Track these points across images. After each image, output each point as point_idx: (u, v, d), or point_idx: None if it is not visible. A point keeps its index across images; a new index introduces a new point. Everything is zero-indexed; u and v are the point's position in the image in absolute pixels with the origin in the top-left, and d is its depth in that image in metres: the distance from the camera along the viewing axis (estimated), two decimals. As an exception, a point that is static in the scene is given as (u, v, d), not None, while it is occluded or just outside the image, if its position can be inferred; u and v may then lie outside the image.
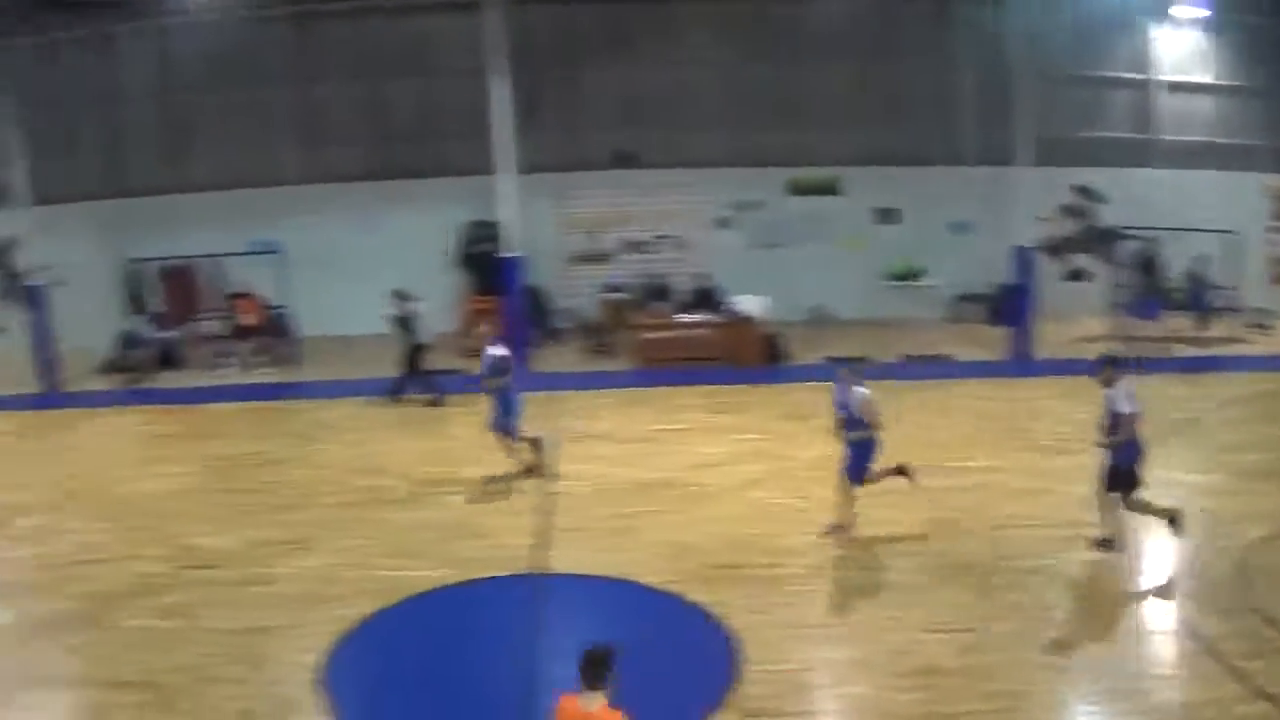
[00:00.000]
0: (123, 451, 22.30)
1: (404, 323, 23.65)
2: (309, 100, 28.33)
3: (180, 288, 28.92)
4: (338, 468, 20.24)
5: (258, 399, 24.46)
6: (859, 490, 16.33)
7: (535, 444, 19.56)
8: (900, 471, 16.63)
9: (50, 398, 25.87)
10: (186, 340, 28.18)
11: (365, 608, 14.95)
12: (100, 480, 20.69)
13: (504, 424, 19.14)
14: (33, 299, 26.10)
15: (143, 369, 27.29)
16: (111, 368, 27.59)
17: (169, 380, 26.73)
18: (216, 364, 27.13)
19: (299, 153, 28.81)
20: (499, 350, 19.15)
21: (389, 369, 24.23)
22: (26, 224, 26.02)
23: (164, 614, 15.36)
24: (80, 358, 27.14)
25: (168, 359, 27.73)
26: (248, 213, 28.15)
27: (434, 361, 24.36)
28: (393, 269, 25.80)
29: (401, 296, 23.51)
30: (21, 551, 17.81)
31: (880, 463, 16.27)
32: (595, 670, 8.51)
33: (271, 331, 27.77)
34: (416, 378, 23.58)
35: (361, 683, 13.39)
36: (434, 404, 23.33)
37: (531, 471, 19.55)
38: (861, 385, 15.94)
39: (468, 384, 22.78)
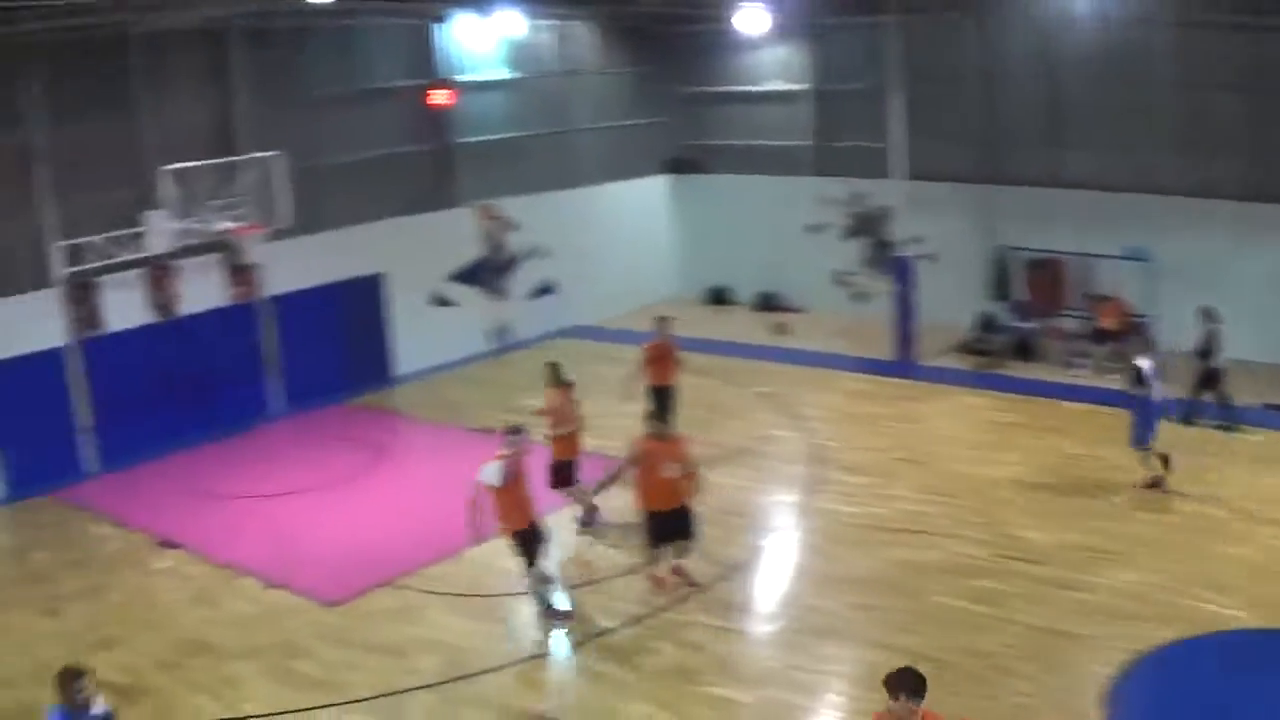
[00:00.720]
0: (963, 432, 23.19)
1: (1205, 343, 22.26)
2: (1190, 110, 27.24)
3: (1045, 281, 28.93)
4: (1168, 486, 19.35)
5: (1106, 403, 23.93)
6: None
7: (1166, 461, 19.17)
8: None
9: (903, 367, 27.22)
10: (1044, 333, 28.10)
11: (1167, 634, 14.64)
12: (937, 455, 21.67)
13: (1138, 434, 19.23)
14: (901, 270, 27.10)
15: (997, 355, 27.67)
16: (966, 349, 28.28)
17: (1019, 370, 26.97)
18: (1070, 362, 26.96)
19: (1177, 162, 27.81)
20: (1144, 361, 19.21)
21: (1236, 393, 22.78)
22: (901, 196, 26.82)
23: (973, 597, 15.99)
24: (937, 333, 28.13)
25: (1023, 349, 28.03)
26: (1119, 216, 27.56)
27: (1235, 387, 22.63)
28: (1266, 296, 24.56)
29: (1208, 315, 22.17)
30: (849, 509, 18.88)
31: None
32: None
33: (1131, 339, 27.09)
34: (1217, 402, 22.19)
35: (1146, 712, 12.91)
36: (1226, 429, 21.88)
37: (1155, 485, 19.21)
38: None
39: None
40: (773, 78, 33.01)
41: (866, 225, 30.49)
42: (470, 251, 29.74)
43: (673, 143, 34.89)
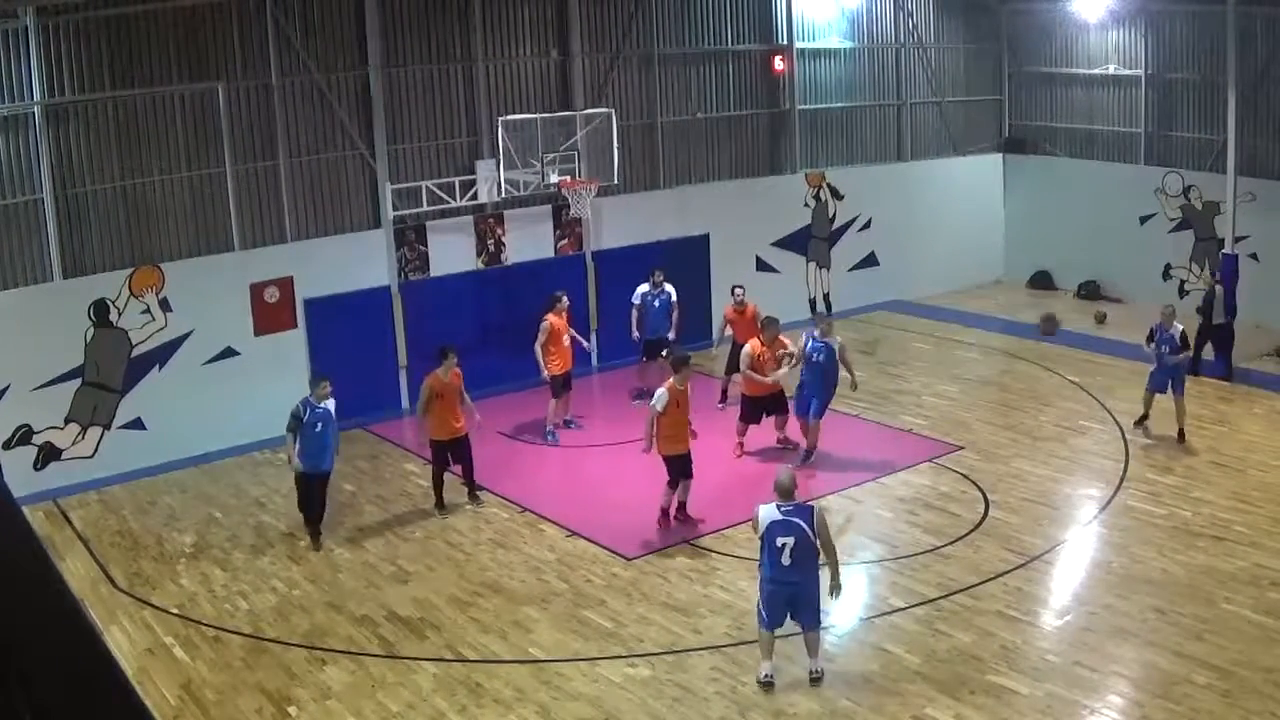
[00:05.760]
0: (1278, 439, 21.80)
1: None
2: None
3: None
4: None
5: None
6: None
7: None
8: None
9: (1221, 368, 25.74)
10: None
11: None
12: (1248, 462, 20.76)
13: None
14: (1226, 268, 25.98)
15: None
16: (1287, 354, 26.73)
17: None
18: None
19: None
20: None
21: None
22: (1232, 192, 25.66)
23: (1263, 609, 15.39)
24: (1261, 335, 26.77)
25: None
26: None
27: None
28: None
29: None
30: (1154, 508, 18.76)
31: None
32: None
33: None
34: None
35: None
36: None
37: None
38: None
39: None
40: (1107, 62, 32.20)
41: (1195, 219, 29.63)
42: (798, 218, 30.05)
43: (1005, 122, 34.47)
